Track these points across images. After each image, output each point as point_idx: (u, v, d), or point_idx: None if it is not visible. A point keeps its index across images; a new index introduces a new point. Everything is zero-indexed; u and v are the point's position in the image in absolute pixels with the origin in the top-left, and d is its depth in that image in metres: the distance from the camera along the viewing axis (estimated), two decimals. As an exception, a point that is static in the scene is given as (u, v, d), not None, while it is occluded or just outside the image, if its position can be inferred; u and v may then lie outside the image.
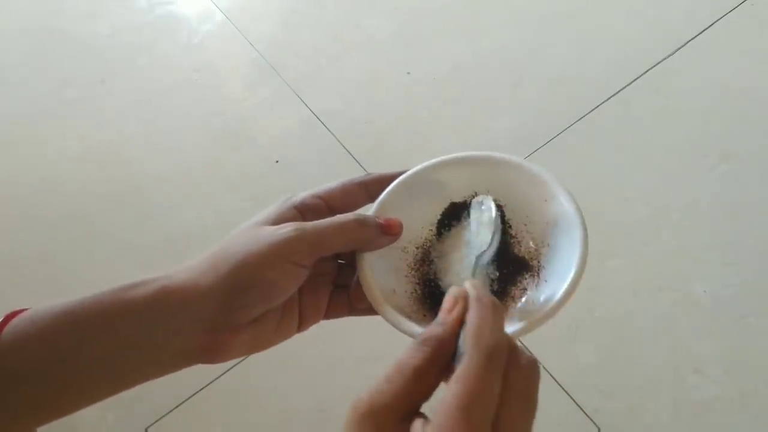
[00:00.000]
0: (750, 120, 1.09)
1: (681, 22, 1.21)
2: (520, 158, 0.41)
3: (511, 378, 0.27)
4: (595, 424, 0.90)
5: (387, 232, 0.38)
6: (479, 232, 0.39)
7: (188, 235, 1.12)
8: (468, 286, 0.30)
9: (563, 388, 0.93)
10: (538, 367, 0.28)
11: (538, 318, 0.35)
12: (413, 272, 0.42)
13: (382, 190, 0.41)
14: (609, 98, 1.15)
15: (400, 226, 0.39)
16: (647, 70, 1.16)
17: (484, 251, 0.38)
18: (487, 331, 0.27)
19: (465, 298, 0.30)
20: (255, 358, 1.01)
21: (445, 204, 0.43)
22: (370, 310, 0.38)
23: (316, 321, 0.39)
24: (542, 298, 0.36)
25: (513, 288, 0.40)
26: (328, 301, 0.40)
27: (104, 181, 1.24)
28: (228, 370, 1.01)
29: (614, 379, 0.93)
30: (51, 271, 1.13)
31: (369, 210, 0.40)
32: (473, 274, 0.36)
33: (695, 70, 1.16)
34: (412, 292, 0.41)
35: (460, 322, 0.29)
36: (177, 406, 1.00)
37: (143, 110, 1.31)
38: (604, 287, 0.99)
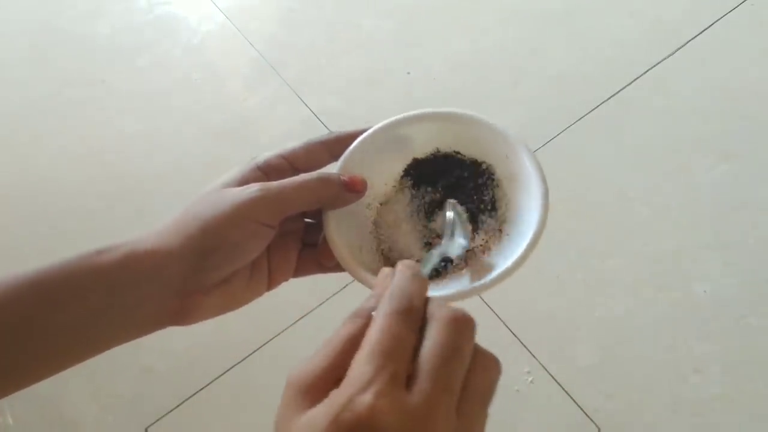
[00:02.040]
0: (750, 120, 1.09)
1: (681, 22, 1.21)
2: (482, 114, 0.41)
3: (429, 331, 0.27)
4: (595, 424, 0.90)
5: (351, 189, 0.38)
6: (453, 240, 0.39)
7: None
8: (399, 265, 0.31)
9: (563, 388, 0.93)
10: (462, 321, 0.27)
11: (498, 275, 0.35)
12: (378, 228, 0.42)
13: (346, 148, 0.41)
14: (609, 98, 1.15)
15: (364, 183, 0.39)
16: (647, 70, 1.16)
17: (447, 254, 0.38)
18: (398, 293, 0.28)
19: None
20: (255, 358, 1.01)
21: (408, 160, 0.43)
22: (339, 267, 0.39)
23: (285, 279, 0.40)
24: (504, 253, 0.37)
25: (475, 245, 0.40)
26: (297, 260, 0.40)
27: (104, 180, 1.24)
28: (228, 370, 1.01)
29: (614, 379, 0.93)
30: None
31: (334, 169, 0.40)
32: (428, 263, 0.36)
33: (695, 70, 1.16)
34: (378, 248, 0.42)
35: None
36: (177, 406, 1.00)
37: (143, 110, 1.31)
38: (604, 287, 0.99)
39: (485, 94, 1.21)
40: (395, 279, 0.29)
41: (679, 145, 1.09)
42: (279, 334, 1.01)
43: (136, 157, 1.25)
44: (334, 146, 0.40)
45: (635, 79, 1.16)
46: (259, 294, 0.38)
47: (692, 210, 1.03)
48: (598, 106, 1.14)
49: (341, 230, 0.39)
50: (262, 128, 1.25)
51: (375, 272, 0.38)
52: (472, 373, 0.27)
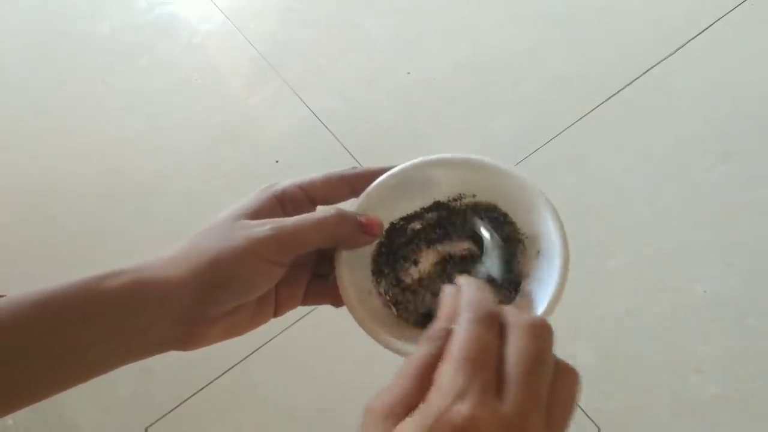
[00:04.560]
0: (750, 120, 1.09)
1: (681, 22, 1.21)
2: (508, 165, 0.40)
3: (511, 337, 0.27)
4: (595, 424, 0.90)
5: (367, 231, 0.37)
6: (492, 259, 0.39)
7: (188, 233, 1.12)
8: (460, 280, 0.31)
9: (563, 388, 0.93)
10: (544, 328, 0.28)
11: None
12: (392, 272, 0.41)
13: (367, 185, 0.39)
14: (609, 98, 1.15)
15: (381, 226, 0.38)
16: (647, 70, 1.16)
17: (490, 274, 0.38)
18: (474, 301, 0.29)
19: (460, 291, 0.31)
20: (255, 358, 1.01)
21: (429, 202, 0.42)
22: None
23: (292, 308, 0.40)
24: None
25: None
26: (305, 290, 0.40)
27: (105, 180, 1.24)
28: (228, 370, 1.01)
29: (614, 379, 0.93)
30: (51, 269, 1.13)
31: (352, 205, 0.40)
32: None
33: (695, 70, 1.16)
34: (388, 293, 0.40)
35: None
36: (177, 406, 1.00)
37: (143, 110, 1.31)
38: (604, 287, 0.99)
39: (485, 94, 1.21)
40: (466, 291, 0.30)
41: (679, 145, 1.09)
42: (279, 334, 1.01)
43: (136, 157, 1.25)
44: (355, 181, 0.39)
45: (635, 79, 1.16)
46: (265, 322, 0.38)
47: (692, 210, 1.03)
48: (598, 106, 1.14)
49: (352, 272, 0.38)
50: (262, 128, 1.25)
51: (382, 320, 0.37)
52: (555, 384, 0.27)
